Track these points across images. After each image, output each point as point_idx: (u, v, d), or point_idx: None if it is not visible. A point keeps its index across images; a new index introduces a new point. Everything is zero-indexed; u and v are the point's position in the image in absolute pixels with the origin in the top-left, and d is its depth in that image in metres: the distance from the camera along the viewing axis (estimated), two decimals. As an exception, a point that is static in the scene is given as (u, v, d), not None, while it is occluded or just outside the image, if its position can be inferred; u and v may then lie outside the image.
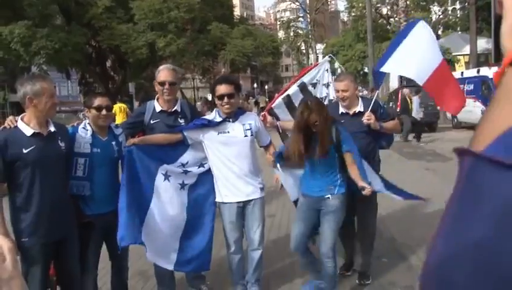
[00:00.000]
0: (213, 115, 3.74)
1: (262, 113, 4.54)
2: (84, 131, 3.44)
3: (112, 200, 3.49)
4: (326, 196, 3.67)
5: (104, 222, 3.45)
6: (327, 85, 4.73)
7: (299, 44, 61.88)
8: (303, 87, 4.60)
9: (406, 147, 12.70)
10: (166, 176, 3.69)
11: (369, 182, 3.61)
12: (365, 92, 38.30)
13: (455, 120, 19.70)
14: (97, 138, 3.47)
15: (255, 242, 3.82)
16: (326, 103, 4.67)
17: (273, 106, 4.58)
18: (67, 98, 53.51)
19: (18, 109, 3.34)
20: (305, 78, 4.67)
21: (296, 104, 4.37)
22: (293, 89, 4.60)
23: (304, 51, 62.06)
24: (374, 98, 4.22)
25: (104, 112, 3.44)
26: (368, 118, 4.01)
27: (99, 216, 3.43)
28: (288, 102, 4.53)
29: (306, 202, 3.81)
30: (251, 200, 3.75)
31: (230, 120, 3.71)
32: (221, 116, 3.71)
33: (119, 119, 17.67)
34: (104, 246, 3.65)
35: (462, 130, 18.09)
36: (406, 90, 16.48)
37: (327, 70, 4.79)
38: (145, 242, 3.53)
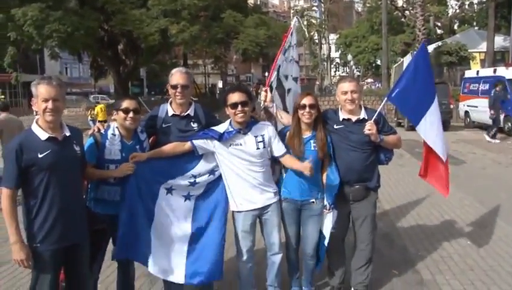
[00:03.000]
0: (225, 126, 3.63)
1: (264, 89, 4.33)
2: (113, 137, 3.48)
3: None
4: (311, 200, 3.79)
5: (117, 222, 3.46)
6: (293, 47, 4.67)
7: (312, 33, 61.34)
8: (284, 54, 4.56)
9: (418, 146, 12.55)
10: (170, 190, 3.61)
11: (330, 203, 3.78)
12: (378, 85, 37.92)
13: (468, 119, 19.51)
14: (124, 142, 3.51)
15: (275, 247, 3.82)
16: (296, 66, 4.68)
17: (271, 80, 4.41)
18: (78, 80, 53.79)
19: (29, 89, 3.43)
20: (286, 45, 4.58)
21: (284, 76, 4.49)
22: (280, 59, 4.50)
23: (317, 41, 61.58)
24: (380, 108, 3.97)
25: (131, 114, 3.45)
26: (370, 128, 3.69)
27: (115, 216, 3.46)
28: (278, 78, 4.47)
29: (290, 206, 3.83)
30: (268, 205, 3.72)
31: (242, 132, 3.62)
32: (234, 127, 3.62)
33: (101, 118, 18.07)
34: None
35: (475, 130, 17.90)
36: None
37: (293, 32, 4.69)
38: (152, 259, 3.53)
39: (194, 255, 3.60)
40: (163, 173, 3.61)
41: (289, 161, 3.71)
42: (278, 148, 3.73)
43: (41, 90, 2.97)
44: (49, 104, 2.96)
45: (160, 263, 3.56)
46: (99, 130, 3.54)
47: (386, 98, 4.23)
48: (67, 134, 3.11)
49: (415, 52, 4.39)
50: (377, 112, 3.86)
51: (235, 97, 3.56)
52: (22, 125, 7.94)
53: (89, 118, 20.73)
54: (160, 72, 39.70)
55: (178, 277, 3.57)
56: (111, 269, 4.32)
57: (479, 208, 7.00)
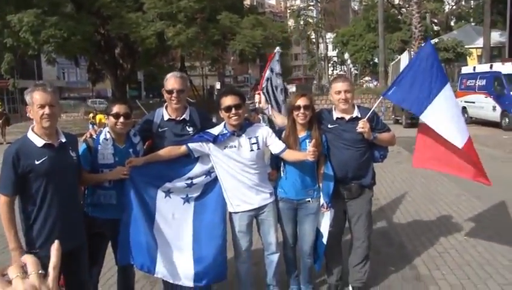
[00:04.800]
0: (220, 129, 3.67)
1: (257, 92, 4.48)
2: (105, 141, 3.51)
3: None
4: (307, 199, 3.84)
5: (115, 227, 3.49)
6: (278, 75, 5.07)
7: (309, 33, 61.39)
8: (273, 72, 5.01)
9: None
10: (168, 193, 3.64)
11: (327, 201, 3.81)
12: (375, 83, 37.99)
13: (465, 115, 19.52)
14: (116, 146, 3.53)
15: (273, 246, 3.86)
16: (281, 93, 5.01)
17: (263, 86, 4.77)
18: (75, 85, 53.84)
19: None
20: (273, 65, 5.03)
21: (277, 86, 4.94)
22: (268, 74, 4.95)
23: (314, 40, 61.63)
24: (375, 106, 4.05)
25: (121, 119, 3.46)
26: (362, 126, 3.75)
27: (113, 221, 3.48)
28: (270, 85, 4.92)
29: (286, 205, 3.88)
30: (264, 206, 3.76)
31: (236, 134, 3.65)
32: (228, 130, 3.65)
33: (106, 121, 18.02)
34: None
35: (472, 126, 17.91)
36: None
37: (278, 60, 5.09)
38: (158, 264, 3.53)
39: (199, 257, 3.61)
40: (160, 177, 3.64)
41: (291, 155, 3.74)
42: (277, 145, 3.76)
43: (36, 97, 2.99)
44: (46, 110, 2.97)
45: (168, 267, 3.56)
46: (91, 135, 3.57)
47: (381, 96, 4.28)
48: (63, 140, 3.14)
49: (412, 50, 4.51)
50: (371, 111, 3.91)
51: (228, 100, 3.59)
52: None
53: (90, 121, 20.75)
54: (157, 75, 39.70)
55: (187, 280, 3.58)
56: (111, 272, 4.36)
57: (475, 203, 7.04)
